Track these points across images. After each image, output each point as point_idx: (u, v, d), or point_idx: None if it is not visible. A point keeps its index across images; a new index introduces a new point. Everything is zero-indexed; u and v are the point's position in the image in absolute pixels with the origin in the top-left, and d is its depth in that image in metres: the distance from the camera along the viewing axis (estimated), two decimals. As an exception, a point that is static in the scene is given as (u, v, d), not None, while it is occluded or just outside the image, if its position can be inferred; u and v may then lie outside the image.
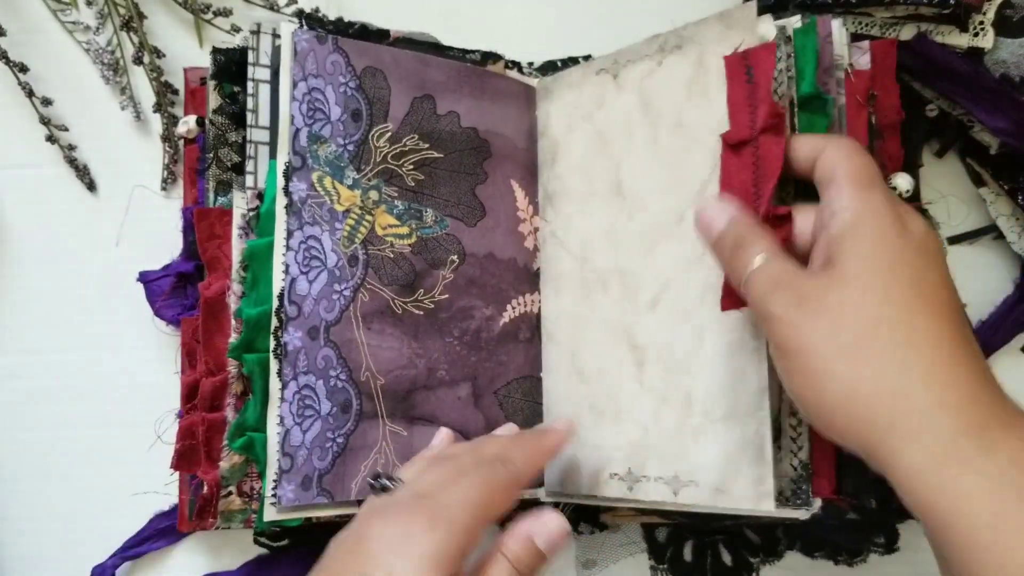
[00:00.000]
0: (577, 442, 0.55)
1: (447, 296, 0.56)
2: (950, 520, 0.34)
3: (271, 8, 0.62)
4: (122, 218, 0.63)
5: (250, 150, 0.55)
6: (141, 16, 0.63)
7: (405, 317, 0.54)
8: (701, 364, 0.49)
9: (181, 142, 0.62)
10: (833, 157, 0.42)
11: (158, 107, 0.63)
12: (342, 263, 0.53)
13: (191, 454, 0.54)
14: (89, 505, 0.61)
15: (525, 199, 0.59)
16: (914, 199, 0.57)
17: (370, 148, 0.54)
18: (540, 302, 0.59)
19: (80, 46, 0.64)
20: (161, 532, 0.60)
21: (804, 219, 0.44)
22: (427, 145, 0.56)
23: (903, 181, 0.56)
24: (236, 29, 0.63)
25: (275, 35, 0.55)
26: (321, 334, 0.52)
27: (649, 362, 0.52)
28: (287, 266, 0.52)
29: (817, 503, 0.47)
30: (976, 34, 0.58)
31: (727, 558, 0.61)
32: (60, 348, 0.62)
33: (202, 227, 0.55)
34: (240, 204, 0.55)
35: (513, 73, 0.61)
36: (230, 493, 0.53)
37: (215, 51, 0.57)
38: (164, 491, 0.58)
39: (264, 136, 0.55)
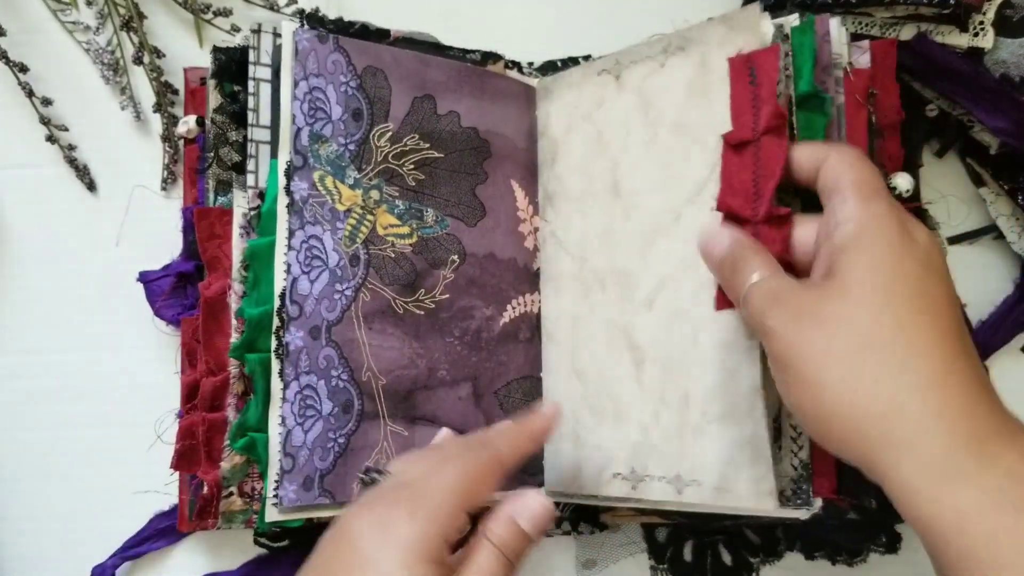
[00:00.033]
0: (577, 442, 0.55)
1: (448, 296, 0.56)
2: (948, 534, 0.34)
3: (271, 8, 0.62)
4: (122, 218, 0.63)
5: (251, 149, 0.55)
6: (141, 16, 0.63)
7: (406, 317, 0.54)
8: (696, 364, 0.49)
9: (181, 142, 0.62)
10: (837, 166, 0.41)
11: (158, 107, 0.63)
12: (343, 263, 0.53)
13: (191, 454, 0.54)
14: (89, 505, 0.61)
15: (525, 199, 0.59)
16: (914, 199, 0.57)
17: (371, 148, 0.54)
18: (540, 302, 0.59)
19: (80, 46, 0.64)
20: (161, 532, 0.60)
21: (806, 230, 0.44)
22: (427, 145, 0.56)
23: (903, 181, 0.56)
24: (236, 29, 0.63)
25: (276, 34, 0.55)
26: (323, 334, 0.52)
27: (647, 362, 0.52)
28: (289, 266, 0.52)
29: (818, 503, 0.47)
30: (976, 34, 0.58)
31: (727, 558, 0.61)
32: (60, 348, 0.62)
33: (202, 227, 0.55)
34: (241, 203, 0.55)
35: (513, 73, 0.61)
36: (231, 493, 0.53)
37: (215, 50, 0.57)
38: (164, 491, 0.58)
39: (265, 135, 0.55)
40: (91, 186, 0.64)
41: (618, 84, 0.55)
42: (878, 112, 0.55)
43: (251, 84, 0.55)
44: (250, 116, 0.55)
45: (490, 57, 0.61)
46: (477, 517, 0.42)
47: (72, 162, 0.63)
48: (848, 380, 0.37)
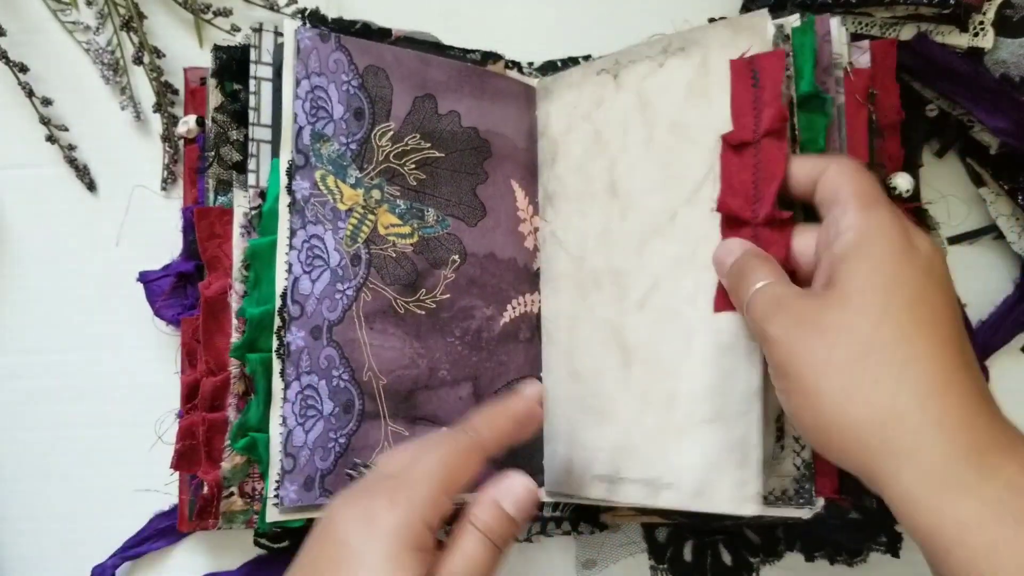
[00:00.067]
0: (571, 443, 0.55)
1: (448, 296, 0.56)
2: (948, 544, 0.34)
3: (271, 8, 0.62)
4: (122, 218, 0.63)
5: (252, 148, 0.55)
6: (141, 16, 0.63)
7: (407, 317, 0.54)
8: (688, 365, 0.49)
9: (181, 142, 0.62)
10: (836, 177, 0.42)
11: (158, 107, 0.63)
12: (345, 262, 0.53)
13: (191, 454, 0.54)
14: (89, 505, 0.61)
15: (525, 199, 0.59)
16: (914, 199, 0.57)
17: (372, 147, 0.54)
18: (540, 302, 0.59)
19: (80, 46, 0.64)
20: (161, 532, 0.60)
21: (805, 239, 0.44)
22: (428, 144, 0.56)
23: (903, 181, 0.56)
24: (236, 29, 0.62)
25: (277, 33, 0.55)
26: (324, 334, 0.52)
27: (636, 363, 0.52)
28: (290, 265, 0.52)
29: (820, 502, 0.47)
30: (976, 34, 0.58)
31: (727, 558, 0.61)
32: (60, 348, 0.62)
33: (202, 226, 0.55)
34: (242, 203, 0.55)
35: (513, 73, 0.61)
36: (232, 494, 0.53)
37: (216, 49, 0.57)
38: (164, 490, 0.58)
39: (266, 134, 0.55)
40: (91, 186, 0.64)
41: (616, 84, 0.55)
42: (878, 112, 0.55)
43: (252, 83, 0.55)
44: (251, 115, 0.55)
45: (490, 57, 0.61)
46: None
47: (72, 162, 0.63)
48: (848, 389, 0.37)
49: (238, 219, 0.55)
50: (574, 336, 0.56)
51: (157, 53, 0.63)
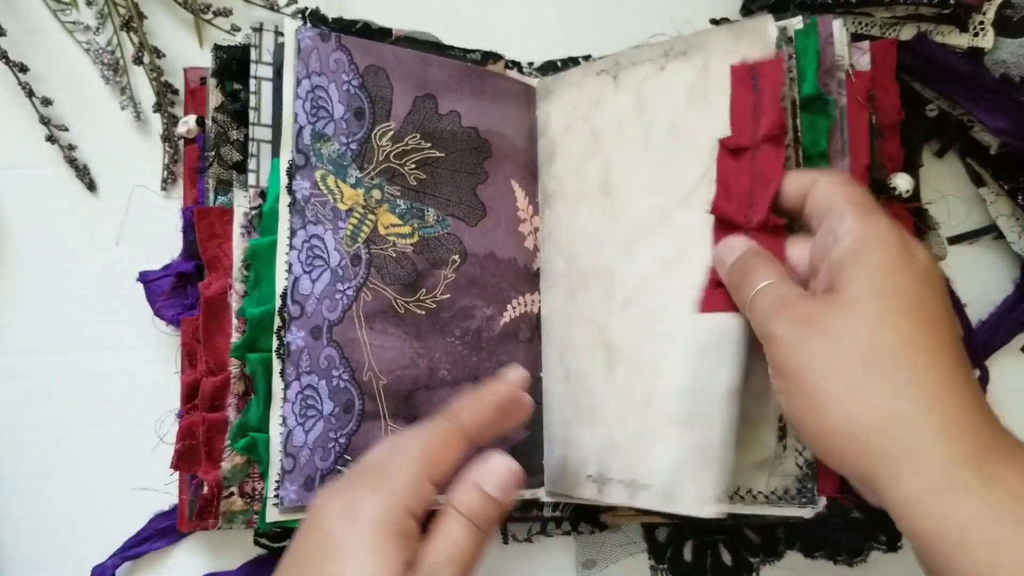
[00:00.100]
0: (567, 442, 0.55)
1: (448, 296, 0.56)
2: (948, 547, 0.34)
3: (271, 8, 0.62)
4: (122, 218, 0.63)
5: (252, 148, 0.55)
6: (141, 16, 0.63)
7: (407, 317, 0.54)
8: (666, 365, 0.49)
9: (181, 142, 0.62)
10: (827, 188, 0.42)
11: (158, 107, 0.63)
12: (345, 262, 0.53)
13: (191, 454, 0.54)
14: (89, 505, 0.61)
15: (525, 199, 0.59)
16: (914, 199, 0.58)
17: (373, 147, 0.54)
18: (540, 302, 0.59)
19: (80, 46, 0.64)
20: (161, 532, 0.60)
21: (798, 250, 0.44)
22: (429, 144, 0.56)
23: (903, 181, 0.56)
24: (236, 29, 0.63)
25: (278, 33, 0.55)
26: (324, 334, 0.52)
27: (619, 363, 0.52)
28: (290, 265, 0.52)
29: (822, 501, 0.47)
30: (976, 34, 0.58)
31: (727, 558, 0.61)
32: (60, 348, 0.62)
33: (202, 226, 0.55)
34: (242, 202, 0.55)
35: (513, 73, 0.61)
36: (232, 494, 0.53)
37: (216, 48, 0.57)
38: (164, 490, 0.58)
39: (266, 134, 0.55)
40: (91, 186, 0.64)
41: (616, 84, 0.55)
42: (878, 112, 0.55)
43: (252, 83, 0.55)
44: (251, 115, 0.55)
45: (490, 57, 0.61)
46: None
47: (72, 162, 0.63)
48: (852, 392, 0.37)
49: (238, 219, 0.55)
50: (566, 336, 0.56)
51: (157, 53, 0.63)
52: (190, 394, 0.55)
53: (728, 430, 0.45)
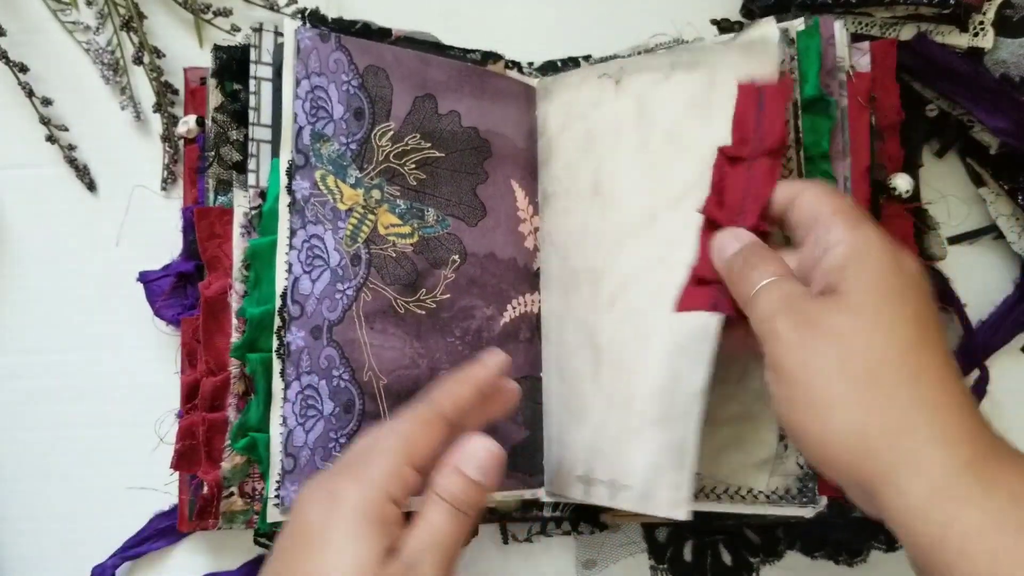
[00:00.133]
0: (562, 442, 0.55)
1: (448, 296, 0.56)
2: (948, 556, 0.33)
3: (271, 8, 0.62)
4: (122, 218, 0.63)
5: (252, 148, 0.55)
6: (141, 16, 0.63)
7: (407, 317, 0.54)
8: (645, 365, 0.49)
9: (181, 142, 0.62)
10: (812, 199, 0.41)
11: (158, 107, 0.63)
12: (345, 262, 0.53)
13: (191, 454, 0.54)
14: (89, 505, 0.61)
15: (525, 199, 0.59)
16: (914, 199, 0.58)
17: (372, 147, 0.54)
18: (540, 302, 0.59)
19: (80, 46, 0.64)
20: (161, 532, 0.60)
21: (788, 260, 0.43)
22: (429, 144, 0.56)
23: (903, 181, 0.56)
24: (236, 29, 0.63)
25: (277, 33, 0.55)
26: (324, 334, 0.52)
27: (605, 363, 0.52)
28: (290, 265, 0.52)
29: (823, 501, 0.47)
30: (976, 34, 0.58)
31: (727, 558, 0.61)
32: (60, 348, 0.62)
33: (202, 226, 0.55)
34: (242, 203, 0.55)
35: (513, 73, 0.61)
36: (232, 494, 0.53)
37: (216, 49, 0.57)
38: (164, 490, 0.58)
39: (266, 134, 0.55)
40: (91, 186, 0.64)
41: (617, 88, 0.55)
42: (878, 112, 0.55)
43: (252, 83, 0.55)
44: (251, 115, 0.55)
45: (490, 57, 0.61)
46: None
47: (72, 162, 0.63)
48: (861, 403, 0.36)
49: (238, 219, 0.55)
50: (562, 336, 0.57)
51: (157, 53, 0.63)
52: (190, 394, 0.55)
53: (698, 430, 0.45)
